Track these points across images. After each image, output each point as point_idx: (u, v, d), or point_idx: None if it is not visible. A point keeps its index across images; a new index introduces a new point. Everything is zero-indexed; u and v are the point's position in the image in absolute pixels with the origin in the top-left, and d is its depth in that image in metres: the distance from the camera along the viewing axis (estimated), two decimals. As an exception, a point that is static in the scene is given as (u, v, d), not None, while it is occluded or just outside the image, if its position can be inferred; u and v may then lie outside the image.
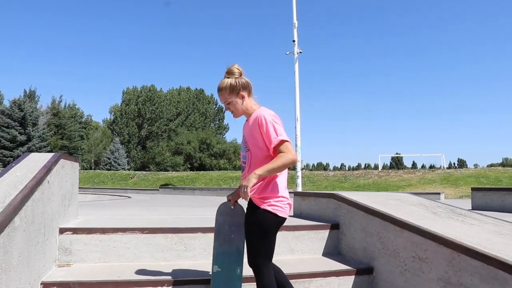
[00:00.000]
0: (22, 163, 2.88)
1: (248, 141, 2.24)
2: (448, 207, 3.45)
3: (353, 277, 2.96)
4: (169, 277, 2.64)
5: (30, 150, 33.55)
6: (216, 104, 58.78)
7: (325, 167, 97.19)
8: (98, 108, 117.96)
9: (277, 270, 2.32)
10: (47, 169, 2.69)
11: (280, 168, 2.11)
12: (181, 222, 3.73)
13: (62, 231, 2.97)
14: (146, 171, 37.20)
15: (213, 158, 42.42)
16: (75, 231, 3.00)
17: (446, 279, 2.36)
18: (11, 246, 1.96)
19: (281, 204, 2.16)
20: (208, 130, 51.36)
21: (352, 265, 3.07)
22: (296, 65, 12.23)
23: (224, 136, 56.53)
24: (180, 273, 2.75)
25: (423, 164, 71.59)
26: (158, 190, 23.05)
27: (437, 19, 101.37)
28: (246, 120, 2.31)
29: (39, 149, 36.14)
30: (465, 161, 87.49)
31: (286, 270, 2.51)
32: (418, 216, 2.99)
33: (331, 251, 3.47)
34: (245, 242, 2.27)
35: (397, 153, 64.34)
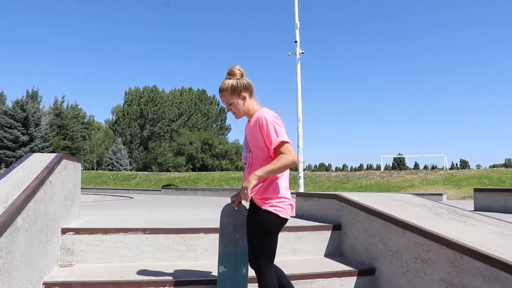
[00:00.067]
0: (25, 164, 2.88)
1: (249, 142, 2.24)
2: (450, 208, 3.44)
3: (355, 278, 2.95)
4: (171, 278, 2.64)
5: (32, 151, 33.57)
6: (218, 105, 58.74)
7: (327, 168, 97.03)
8: (100, 109, 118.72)
9: (278, 271, 2.32)
10: (50, 169, 2.70)
11: (280, 170, 2.11)
12: (183, 223, 3.73)
13: (64, 231, 2.97)
14: (148, 171, 37.27)
15: (215, 158, 42.41)
16: (77, 231, 3.00)
17: (448, 280, 2.35)
18: (14, 246, 1.97)
19: (282, 204, 2.16)
20: (210, 130, 51.34)
21: (354, 266, 3.07)
22: (298, 66, 12.24)
23: (226, 137, 56.53)
24: (182, 274, 2.76)
25: (425, 165, 71.65)
26: (160, 190, 23.13)
27: (439, 21, 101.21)
28: (248, 121, 2.31)
29: (41, 150, 36.27)
30: (468, 162, 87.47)
31: (288, 270, 2.51)
32: (420, 217, 2.98)
33: (333, 252, 3.47)
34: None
35: (399, 154, 64.29)
